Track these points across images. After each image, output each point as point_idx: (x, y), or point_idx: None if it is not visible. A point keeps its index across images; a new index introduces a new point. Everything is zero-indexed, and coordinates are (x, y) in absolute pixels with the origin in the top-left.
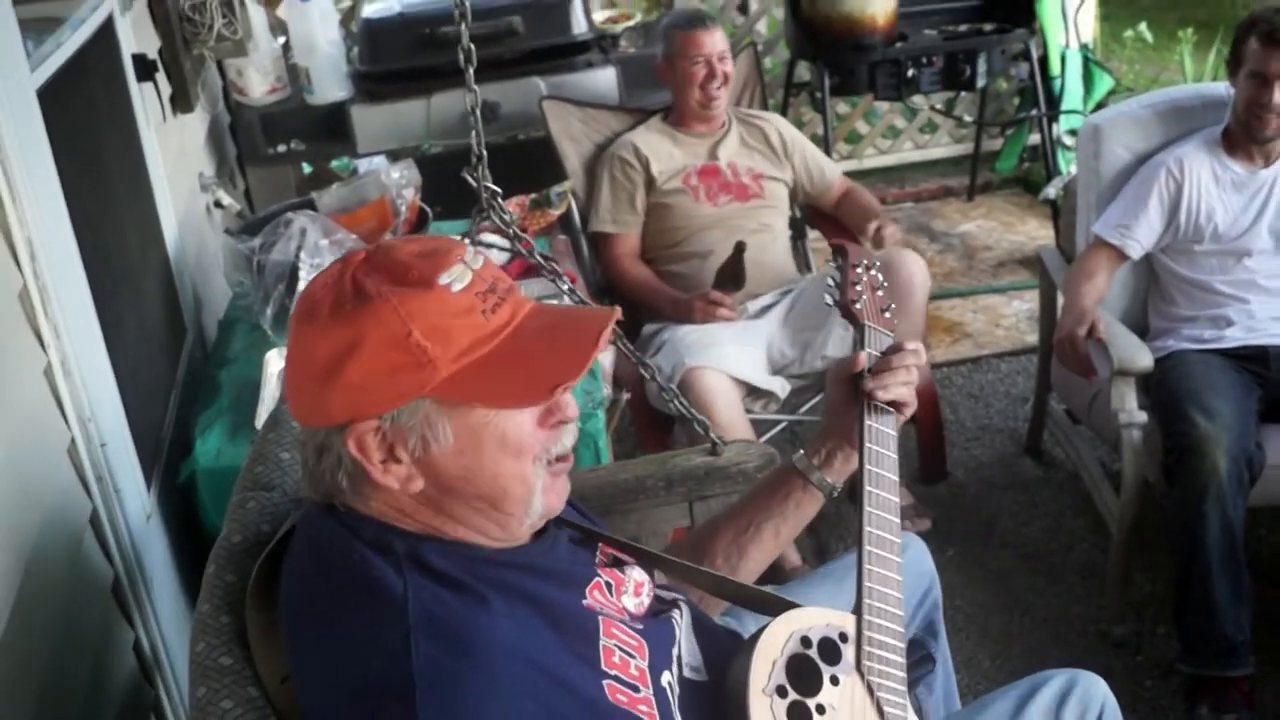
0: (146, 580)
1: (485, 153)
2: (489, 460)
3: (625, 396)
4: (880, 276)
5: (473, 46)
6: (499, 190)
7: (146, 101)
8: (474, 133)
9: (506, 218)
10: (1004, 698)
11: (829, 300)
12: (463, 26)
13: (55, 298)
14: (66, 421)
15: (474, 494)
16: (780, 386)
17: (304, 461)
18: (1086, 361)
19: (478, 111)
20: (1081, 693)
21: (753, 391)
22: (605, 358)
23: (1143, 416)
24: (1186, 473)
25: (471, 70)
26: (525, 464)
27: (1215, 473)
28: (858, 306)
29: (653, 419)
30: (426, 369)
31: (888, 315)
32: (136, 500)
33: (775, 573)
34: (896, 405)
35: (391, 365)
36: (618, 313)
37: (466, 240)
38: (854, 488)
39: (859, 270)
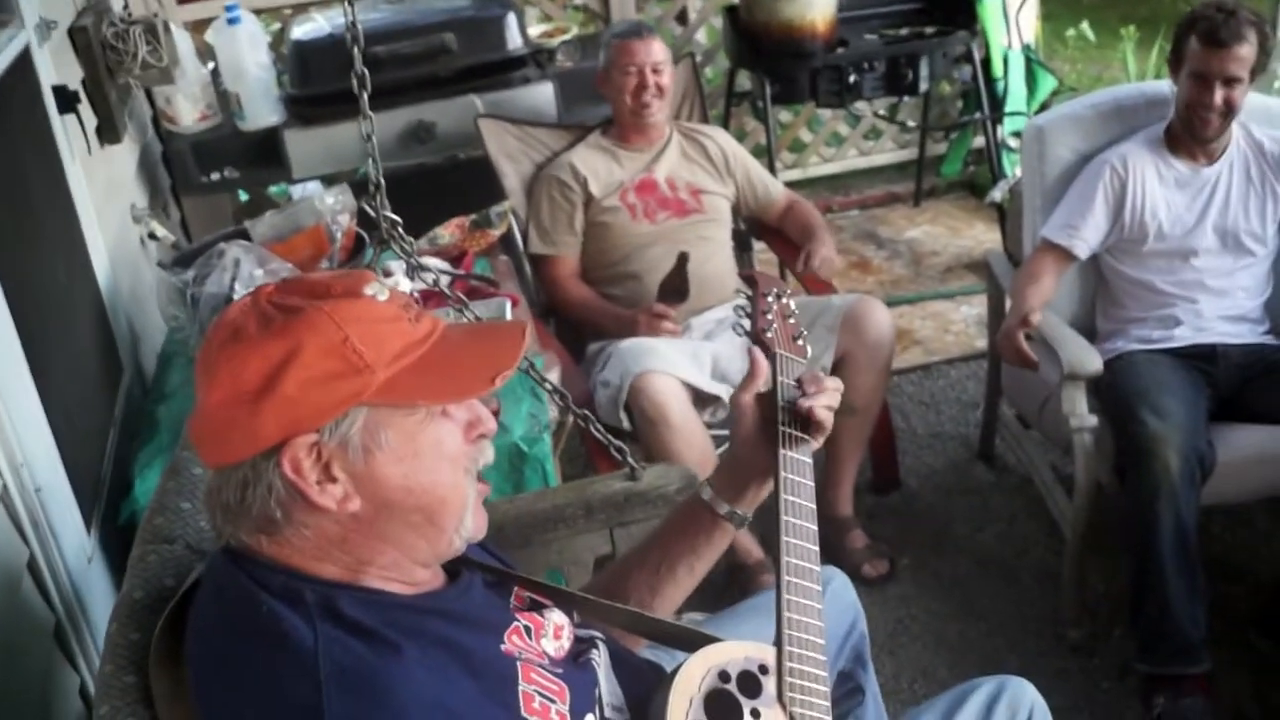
0: (90, 624)
1: (384, 181)
2: (427, 467)
3: (570, 419)
4: (791, 304)
5: (366, 72)
6: (399, 220)
7: (70, 134)
8: (370, 160)
9: (407, 246)
10: (931, 709)
11: (739, 331)
12: (355, 51)
13: None
14: None
15: (413, 505)
16: (726, 392)
17: (220, 506)
18: (1025, 354)
19: (374, 140)
20: (1010, 698)
21: (699, 399)
22: (553, 376)
23: (1093, 420)
24: (1138, 472)
25: (366, 96)
26: (459, 474)
27: (1167, 471)
28: (769, 335)
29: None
30: (364, 374)
31: (800, 343)
32: (76, 543)
33: (739, 570)
34: (814, 430)
35: (329, 373)
36: (528, 324)
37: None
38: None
39: (769, 299)
